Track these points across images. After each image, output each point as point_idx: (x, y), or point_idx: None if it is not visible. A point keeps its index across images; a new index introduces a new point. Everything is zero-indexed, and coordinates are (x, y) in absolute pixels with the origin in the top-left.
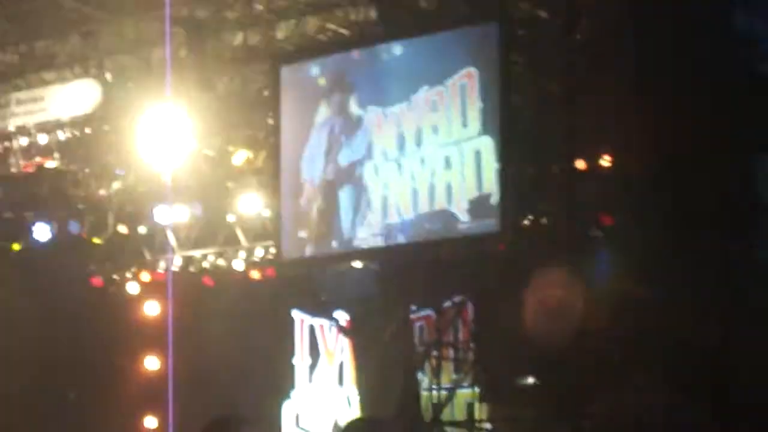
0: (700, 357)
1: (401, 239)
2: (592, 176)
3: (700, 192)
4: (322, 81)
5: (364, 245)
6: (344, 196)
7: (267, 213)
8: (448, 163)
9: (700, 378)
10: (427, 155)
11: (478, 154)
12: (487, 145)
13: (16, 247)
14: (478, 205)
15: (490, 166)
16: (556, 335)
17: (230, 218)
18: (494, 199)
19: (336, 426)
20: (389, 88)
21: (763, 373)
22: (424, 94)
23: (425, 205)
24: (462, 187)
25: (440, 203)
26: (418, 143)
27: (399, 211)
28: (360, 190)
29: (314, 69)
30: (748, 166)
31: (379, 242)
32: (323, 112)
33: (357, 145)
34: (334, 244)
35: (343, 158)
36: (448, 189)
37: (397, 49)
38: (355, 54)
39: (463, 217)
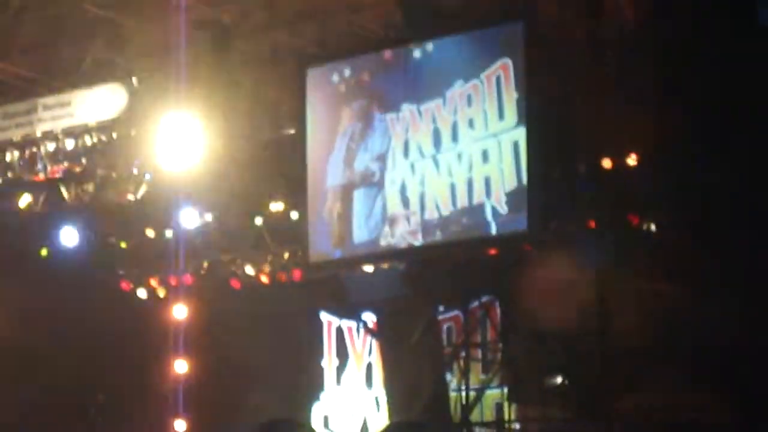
0: (728, 357)
1: (438, 236)
2: (619, 175)
3: (729, 192)
4: (343, 87)
5: (402, 244)
6: (359, 198)
7: (294, 216)
8: (485, 156)
9: (728, 378)
10: (464, 150)
11: (516, 145)
12: (525, 136)
13: (44, 252)
14: (517, 197)
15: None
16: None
17: (258, 221)
18: None
19: (365, 427)
20: (423, 85)
21: None
22: (459, 88)
23: (464, 200)
24: (501, 180)
25: (479, 197)
26: (455, 138)
27: (438, 207)
28: (379, 192)
29: (337, 74)
30: None
31: (416, 240)
32: (345, 118)
33: (376, 148)
34: (357, 246)
35: (360, 163)
36: (487, 182)
37: (429, 45)
38: (387, 54)
39: (502, 209)
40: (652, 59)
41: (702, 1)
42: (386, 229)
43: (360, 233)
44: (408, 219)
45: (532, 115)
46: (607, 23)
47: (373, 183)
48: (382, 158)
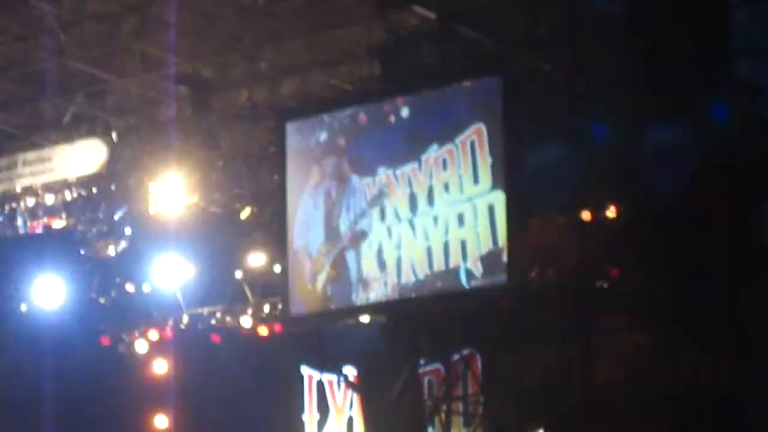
0: (712, 404)
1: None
2: (599, 227)
3: (707, 240)
4: (317, 150)
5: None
6: (352, 261)
7: (274, 269)
8: (461, 219)
9: (712, 424)
10: (440, 213)
11: (491, 209)
12: (500, 199)
13: (23, 307)
14: (492, 260)
15: (504, 219)
16: None
17: (237, 274)
18: (506, 255)
19: None
20: (398, 150)
21: None
22: (434, 153)
23: (440, 264)
24: (477, 243)
25: (455, 260)
26: (431, 202)
27: (414, 271)
28: (361, 254)
29: (313, 139)
30: (755, 213)
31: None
32: (315, 173)
33: (357, 209)
34: (341, 304)
35: (344, 224)
36: (463, 246)
37: (404, 111)
38: (362, 118)
39: (478, 272)
40: (628, 111)
41: (679, 53)
42: (361, 293)
43: (357, 292)
44: (385, 282)
45: (512, 169)
46: (582, 76)
47: (360, 245)
48: (365, 215)
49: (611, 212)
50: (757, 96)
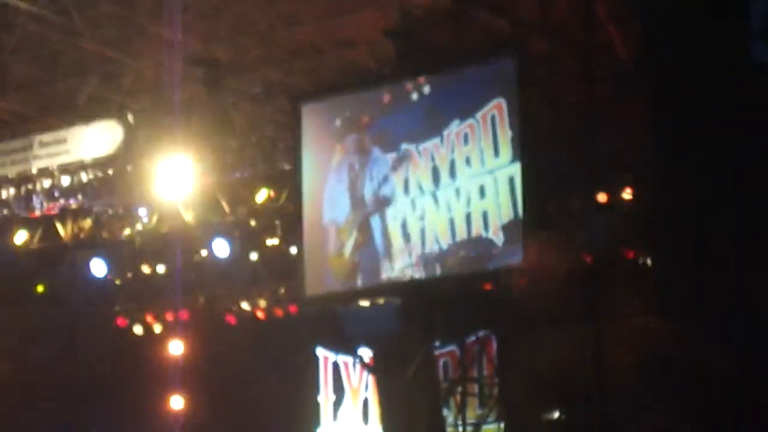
0: (723, 389)
1: (438, 269)
2: (613, 209)
3: (722, 225)
4: (337, 122)
5: (403, 276)
6: (376, 226)
7: (290, 251)
8: (482, 191)
9: (724, 410)
10: (461, 186)
11: (511, 180)
12: (520, 171)
13: (40, 288)
14: (513, 229)
15: (522, 186)
16: None
17: (253, 257)
18: None
19: None
20: (421, 126)
21: None
22: (455, 128)
23: (463, 234)
24: (498, 213)
25: (477, 230)
26: (453, 175)
27: (437, 241)
28: (386, 223)
29: (339, 117)
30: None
31: (417, 272)
32: (339, 151)
33: (380, 176)
34: (362, 278)
35: (368, 192)
36: (485, 216)
37: (426, 88)
38: (386, 97)
39: (499, 241)
40: (645, 95)
41: (694, 37)
42: (386, 263)
43: (383, 260)
44: (410, 253)
45: (525, 152)
46: (599, 58)
47: (385, 215)
48: (386, 183)
49: (627, 194)
50: None
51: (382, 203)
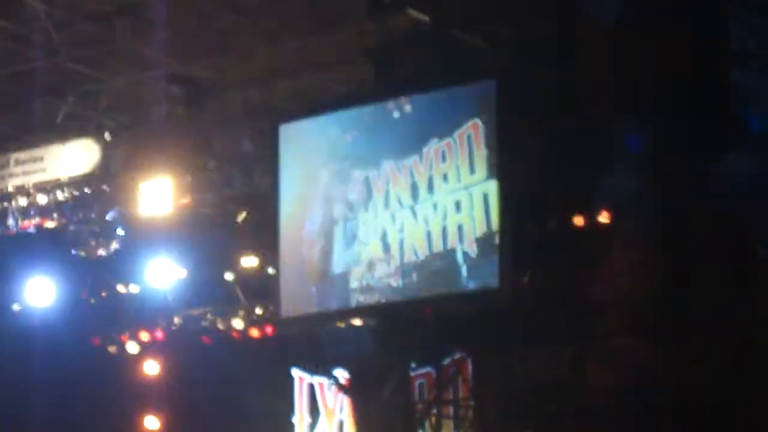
0: (705, 410)
1: (414, 277)
2: (591, 232)
3: (700, 246)
4: (325, 145)
5: (381, 285)
6: (339, 235)
7: (266, 271)
8: (458, 206)
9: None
10: (439, 201)
11: (486, 196)
12: (494, 188)
13: (16, 307)
14: (486, 243)
15: (498, 206)
16: None
17: (229, 277)
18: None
19: None
20: (401, 143)
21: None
22: (434, 146)
23: (439, 245)
24: (472, 227)
25: (452, 243)
26: (431, 190)
27: (415, 252)
28: (362, 240)
29: (313, 128)
30: (747, 221)
31: (395, 282)
32: (324, 176)
33: (353, 198)
34: (334, 298)
35: (338, 209)
36: (460, 229)
37: (407, 107)
38: (368, 113)
39: (473, 253)
40: (622, 117)
41: (675, 61)
42: (366, 272)
43: (338, 264)
44: (388, 263)
45: (504, 173)
46: (578, 80)
47: (350, 218)
48: (360, 205)
49: (604, 217)
50: (746, 103)
51: (352, 212)
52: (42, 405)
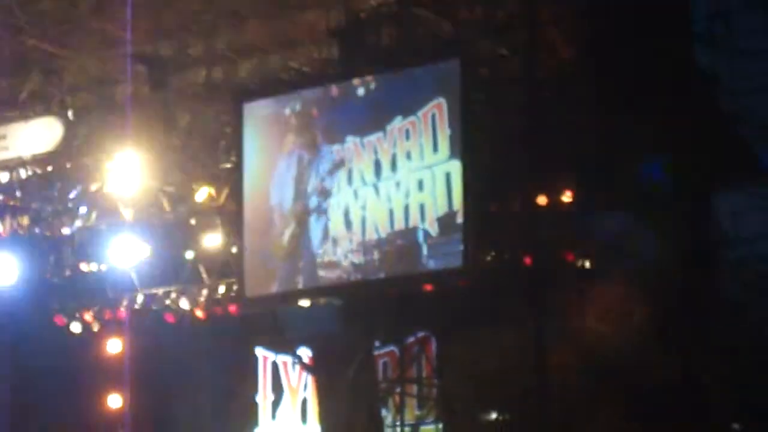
0: (663, 395)
1: (376, 255)
2: (554, 212)
3: (664, 229)
4: (292, 119)
5: (343, 261)
6: (315, 222)
7: (229, 250)
8: (421, 185)
9: (664, 413)
10: (402, 179)
11: (448, 176)
12: (457, 167)
13: None
14: (447, 222)
15: (459, 185)
16: None
17: (192, 255)
18: (461, 217)
19: None
20: (366, 120)
21: (726, 410)
22: (398, 124)
23: (401, 224)
24: (434, 206)
25: (414, 221)
26: (394, 168)
27: (377, 230)
28: (328, 217)
29: (288, 108)
30: (710, 201)
31: (357, 258)
32: (290, 140)
33: (323, 173)
34: (300, 276)
35: (312, 187)
36: (422, 208)
37: (372, 84)
38: (333, 90)
39: (434, 232)
40: (587, 98)
41: (638, 39)
42: (329, 247)
43: (308, 243)
44: (350, 239)
45: (467, 152)
46: (541, 62)
47: (323, 210)
48: (331, 176)
49: (566, 197)
50: (716, 85)
51: (323, 200)
52: (4, 383)
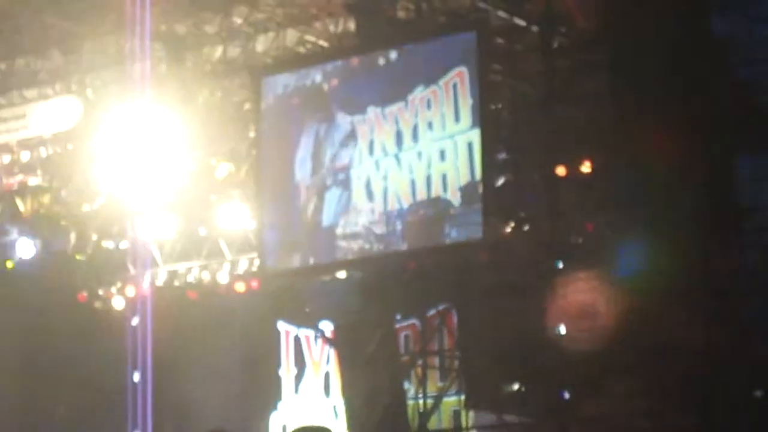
0: (684, 362)
1: (398, 226)
2: (573, 182)
3: (682, 197)
4: (308, 87)
5: (366, 233)
6: (334, 193)
7: (250, 225)
8: (443, 155)
9: (684, 383)
10: (423, 149)
11: (470, 145)
12: (479, 137)
13: (10, 264)
14: (469, 191)
15: (481, 155)
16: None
17: (213, 231)
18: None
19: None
20: (387, 90)
21: (746, 377)
22: (419, 93)
23: (423, 194)
24: (456, 176)
25: (436, 191)
26: (415, 138)
27: (399, 200)
28: (350, 188)
29: (309, 79)
30: (729, 169)
31: (378, 228)
32: (309, 113)
33: (345, 147)
34: (322, 249)
35: (331, 159)
36: (443, 178)
37: (393, 54)
38: (354, 61)
39: (456, 202)
40: (604, 67)
41: (655, 8)
42: (351, 217)
43: (329, 214)
44: (372, 210)
45: (485, 122)
46: (559, 31)
47: (341, 182)
48: (347, 147)
49: (586, 167)
50: (733, 52)
51: (343, 169)
52: (27, 359)
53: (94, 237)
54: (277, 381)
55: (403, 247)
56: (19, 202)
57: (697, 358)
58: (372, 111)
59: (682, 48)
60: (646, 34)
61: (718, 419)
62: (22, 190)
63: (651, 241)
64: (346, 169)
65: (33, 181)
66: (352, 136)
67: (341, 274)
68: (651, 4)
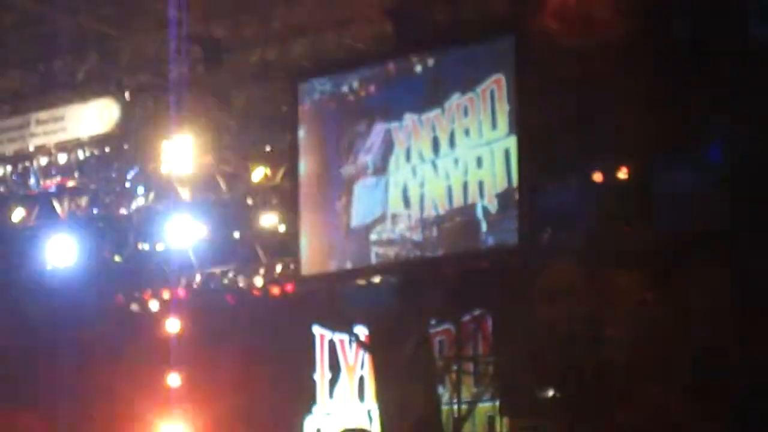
0: (721, 369)
1: (435, 232)
2: (610, 188)
3: (717, 203)
4: (351, 97)
5: (402, 240)
6: (371, 200)
7: (287, 229)
8: (479, 162)
9: (722, 390)
10: (460, 156)
11: (507, 152)
12: (515, 143)
13: (42, 267)
14: (506, 198)
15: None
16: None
17: (249, 235)
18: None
19: None
20: (424, 97)
21: None
22: (456, 100)
23: (459, 200)
24: (493, 183)
25: (473, 198)
26: (452, 145)
27: (435, 206)
28: (387, 194)
29: (346, 86)
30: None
31: (415, 234)
32: (346, 119)
33: (382, 154)
34: (357, 254)
35: (361, 160)
36: (480, 185)
37: (430, 61)
38: (391, 67)
39: (493, 209)
40: (642, 72)
41: (693, 13)
42: (388, 225)
43: (359, 217)
44: (409, 216)
45: (524, 128)
46: (596, 36)
47: (369, 174)
48: (380, 156)
49: (623, 174)
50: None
51: (378, 175)
52: (65, 362)
53: (131, 240)
54: (311, 385)
55: (440, 253)
56: (56, 204)
57: (732, 364)
58: (409, 118)
59: (720, 52)
60: (684, 38)
61: (754, 427)
62: (60, 193)
63: (687, 248)
64: (382, 175)
65: (70, 183)
66: (388, 142)
67: (376, 279)
68: (689, 8)
